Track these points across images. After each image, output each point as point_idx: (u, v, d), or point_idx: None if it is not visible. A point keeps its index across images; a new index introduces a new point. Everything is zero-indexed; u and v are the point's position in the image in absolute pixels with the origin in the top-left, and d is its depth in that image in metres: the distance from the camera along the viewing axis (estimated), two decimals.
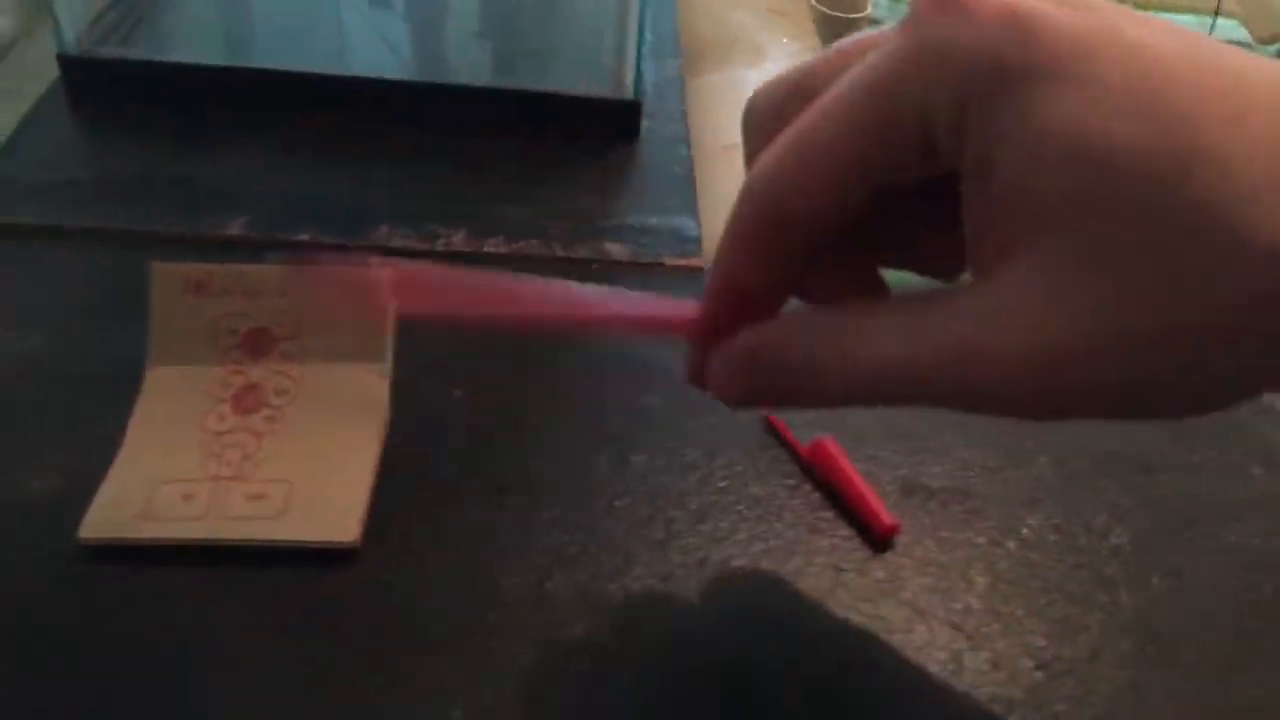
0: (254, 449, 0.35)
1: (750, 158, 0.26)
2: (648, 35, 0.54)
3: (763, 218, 0.24)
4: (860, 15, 1.46)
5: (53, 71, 0.53)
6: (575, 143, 0.53)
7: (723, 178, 0.61)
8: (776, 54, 0.89)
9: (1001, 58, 0.20)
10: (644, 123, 0.54)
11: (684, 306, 0.26)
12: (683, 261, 0.47)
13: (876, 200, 0.23)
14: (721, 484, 0.37)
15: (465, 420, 0.38)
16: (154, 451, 0.35)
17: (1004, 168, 0.20)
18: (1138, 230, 0.19)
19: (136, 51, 0.54)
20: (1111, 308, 0.19)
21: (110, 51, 0.53)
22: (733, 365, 0.25)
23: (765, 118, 0.25)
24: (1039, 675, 0.32)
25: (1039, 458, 0.39)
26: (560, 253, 0.46)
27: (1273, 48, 1.88)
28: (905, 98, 0.21)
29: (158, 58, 0.53)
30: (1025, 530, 0.36)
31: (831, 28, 1.34)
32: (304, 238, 0.45)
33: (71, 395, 0.38)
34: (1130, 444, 0.40)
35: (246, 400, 0.36)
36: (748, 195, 0.24)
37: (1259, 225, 0.18)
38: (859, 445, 0.39)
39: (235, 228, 0.45)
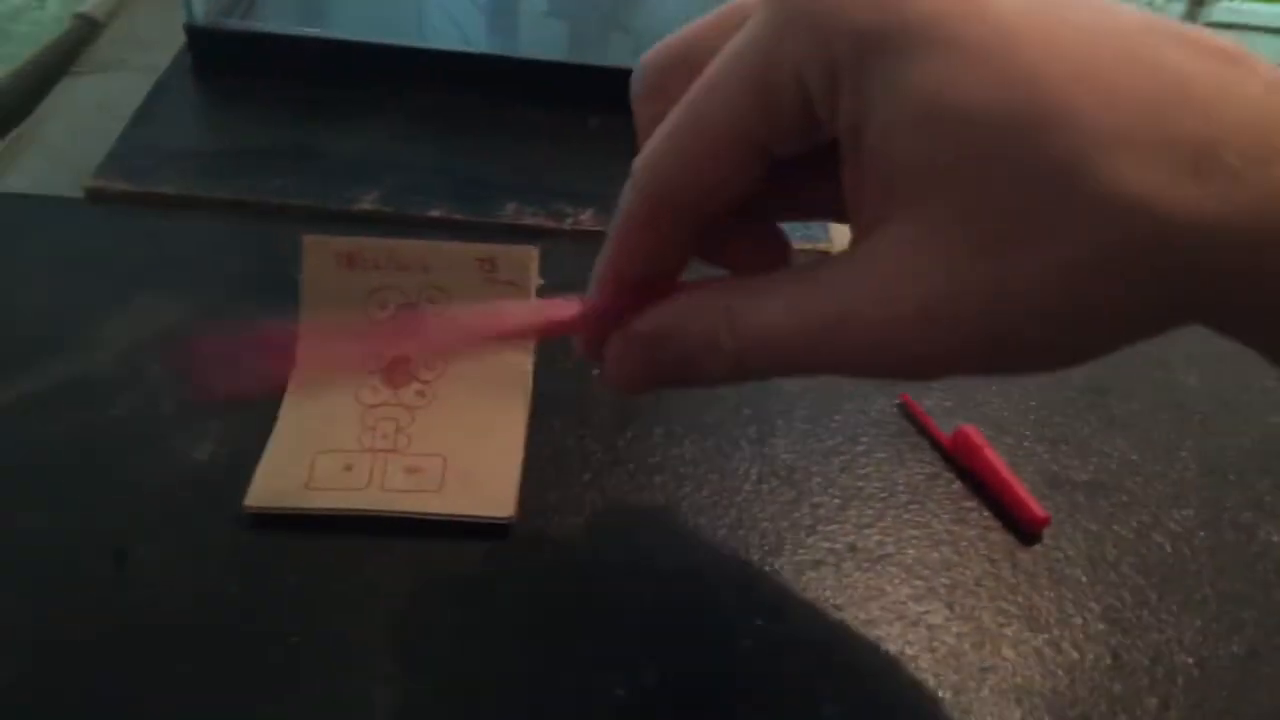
0: (406, 422, 0.36)
1: (642, 131, 0.25)
2: None
3: (653, 209, 0.23)
4: None
5: (158, 41, 0.54)
6: None
7: None
8: None
9: (864, 26, 0.20)
10: None
11: (568, 306, 0.26)
12: (808, 245, 0.46)
13: (771, 169, 0.23)
14: (863, 470, 0.37)
15: (606, 400, 0.38)
16: (310, 422, 0.35)
17: (872, 135, 0.20)
18: (997, 188, 0.19)
19: (261, 24, 0.55)
20: (977, 265, 0.20)
21: (236, 23, 0.54)
22: (632, 352, 0.25)
23: (653, 88, 0.25)
24: (1197, 672, 0.32)
25: (1180, 452, 0.39)
26: None
27: None
28: (779, 73, 0.21)
29: (283, 30, 0.54)
30: (1174, 525, 0.36)
31: None
32: (436, 214, 0.46)
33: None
34: (1274, 440, 0.40)
35: (397, 374, 0.37)
36: (636, 188, 0.23)
37: (1111, 174, 0.18)
38: (999, 436, 0.38)
39: (367, 201, 0.46)
